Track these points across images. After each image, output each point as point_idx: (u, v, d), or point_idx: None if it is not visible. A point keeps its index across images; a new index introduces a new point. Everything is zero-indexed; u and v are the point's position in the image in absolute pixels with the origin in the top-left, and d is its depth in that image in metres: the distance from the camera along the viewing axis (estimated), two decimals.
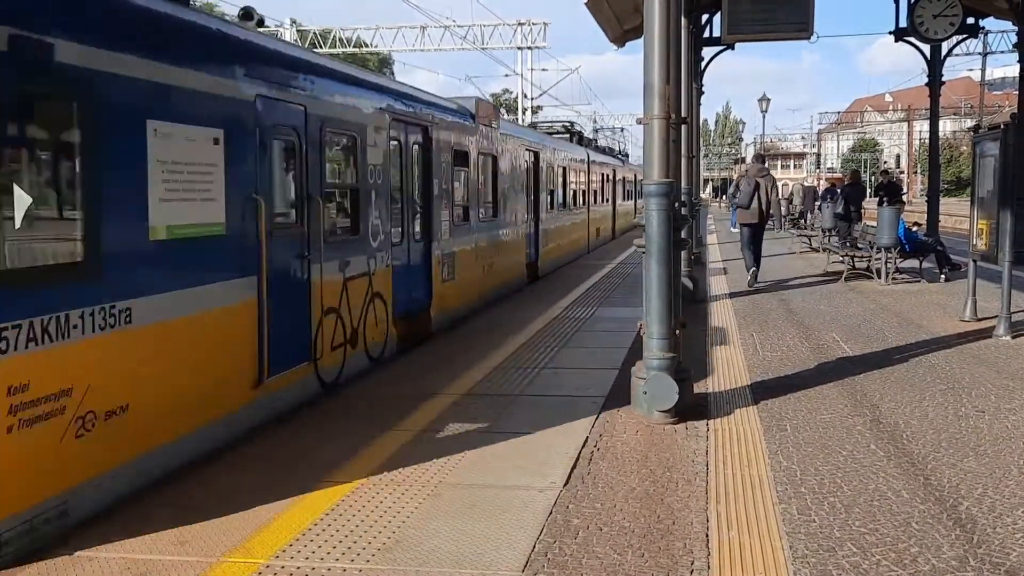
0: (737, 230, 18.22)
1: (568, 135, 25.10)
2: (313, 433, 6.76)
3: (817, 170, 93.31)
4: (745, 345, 10.28)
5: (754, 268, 16.18)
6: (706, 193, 71.32)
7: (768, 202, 16.20)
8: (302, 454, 6.23)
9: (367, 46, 43.67)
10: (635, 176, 36.18)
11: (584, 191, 25.28)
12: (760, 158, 20.94)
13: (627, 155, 39.94)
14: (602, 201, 29.12)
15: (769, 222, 17.82)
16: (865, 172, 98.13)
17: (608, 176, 30.60)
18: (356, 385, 8.40)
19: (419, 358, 9.65)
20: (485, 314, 13.05)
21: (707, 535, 4.69)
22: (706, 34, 17.21)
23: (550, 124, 20.05)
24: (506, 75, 44.56)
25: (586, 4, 15.54)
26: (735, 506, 5.14)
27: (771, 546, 4.58)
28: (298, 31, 37.58)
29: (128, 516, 5.09)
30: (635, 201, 36.58)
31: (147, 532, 4.84)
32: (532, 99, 43.55)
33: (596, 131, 40.72)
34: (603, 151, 28.12)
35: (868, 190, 37.93)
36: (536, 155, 18.43)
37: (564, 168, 21.88)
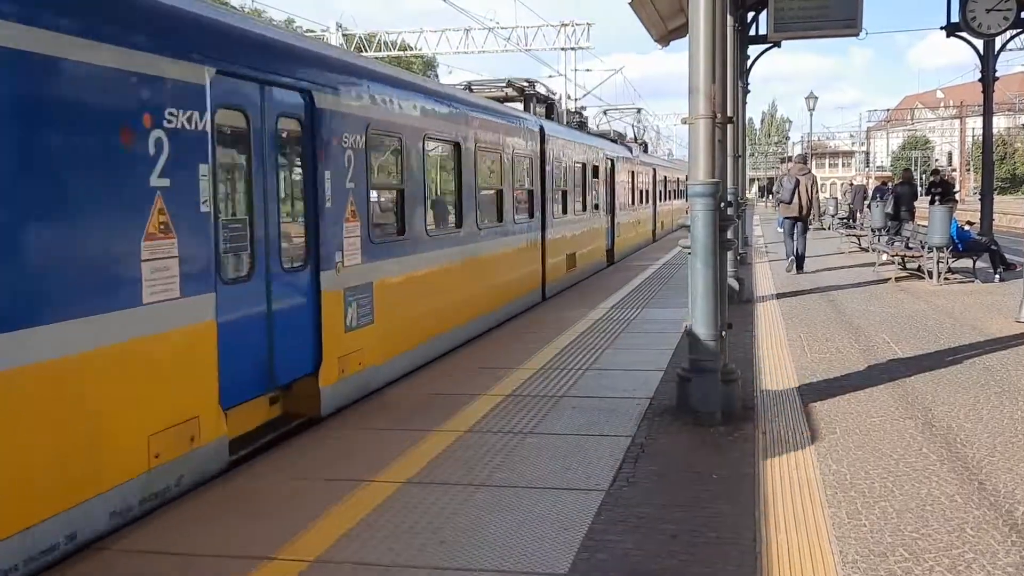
0: (783, 230, 19.21)
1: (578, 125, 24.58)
2: (358, 432, 6.80)
3: (866, 169, 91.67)
4: (793, 346, 10.13)
5: (793, 257, 18.10)
6: (752, 193, 70.45)
7: (808, 198, 17.52)
8: (348, 453, 6.27)
9: (411, 49, 43.94)
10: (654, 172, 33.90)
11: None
12: (802, 157, 22.61)
13: (644, 144, 38.65)
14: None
15: (811, 217, 18.88)
16: (916, 170, 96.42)
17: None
18: (402, 384, 8.45)
19: (460, 362, 9.68)
20: (530, 313, 13.04)
21: (755, 539, 4.63)
22: (752, 32, 17.03)
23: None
24: (550, 76, 44.37)
25: (630, 4, 15.47)
26: (783, 510, 5.06)
27: (820, 550, 4.50)
28: (344, 35, 37.93)
29: (175, 512, 5.17)
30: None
31: (194, 530, 4.91)
32: (575, 100, 43.42)
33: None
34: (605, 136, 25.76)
35: (920, 189, 37.25)
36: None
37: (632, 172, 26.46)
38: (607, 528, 4.79)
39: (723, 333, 7.04)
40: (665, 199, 35.28)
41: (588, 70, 68.61)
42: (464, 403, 7.56)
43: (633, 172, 26.14)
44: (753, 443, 6.36)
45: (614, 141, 24.81)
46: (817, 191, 19.24)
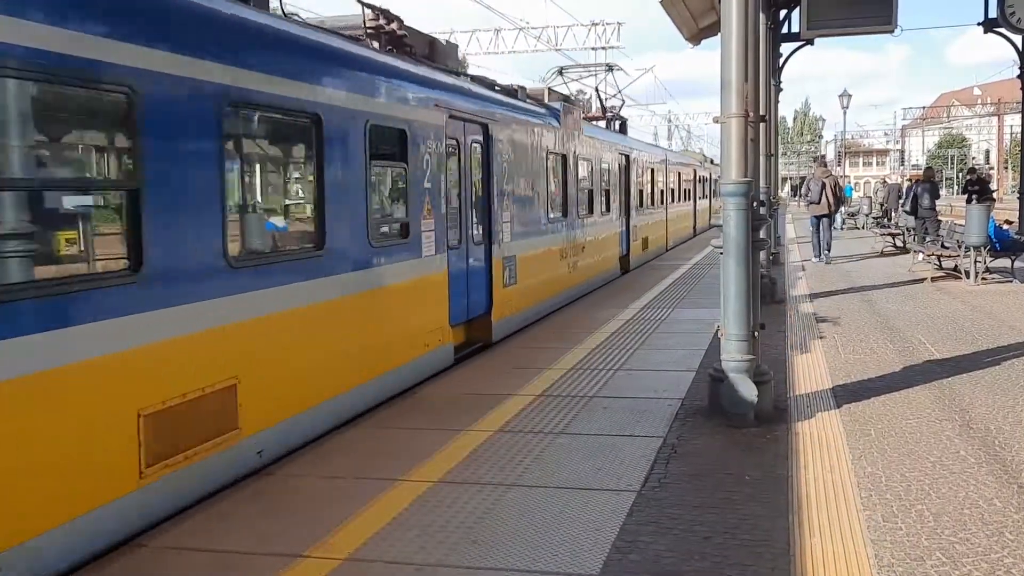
0: (812, 227, 21.44)
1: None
2: (392, 432, 6.84)
3: (901, 167, 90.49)
4: (827, 347, 10.03)
5: (825, 250, 20.51)
6: (784, 192, 69.78)
7: (834, 196, 20.40)
8: (380, 452, 6.30)
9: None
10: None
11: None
12: (823, 161, 24.30)
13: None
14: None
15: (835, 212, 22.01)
16: (952, 169, 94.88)
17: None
18: (435, 384, 8.47)
19: (487, 362, 9.69)
20: (557, 314, 13.04)
21: (789, 542, 4.58)
22: (784, 30, 16.86)
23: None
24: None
25: (661, 2, 15.40)
26: (817, 512, 5.01)
27: (855, 554, 4.45)
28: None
29: (211, 511, 5.23)
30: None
31: (228, 527, 4.97)
32: (606, 99, 43.30)
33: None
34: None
35: (949, 190, 36.96)
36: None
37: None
38: (639, 529, 4.77)
39: (756, 333, 6.98)
40: (701, 198, 38.79)
41: (619, 69, 67.88)
42: (496, 403, 7.57)
43: (679, 173, 31.02)
44: (786, 445, 6.30)
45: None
46: (839, 190, 21.97)
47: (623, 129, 22.12)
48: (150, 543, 4.78)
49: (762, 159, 11.01)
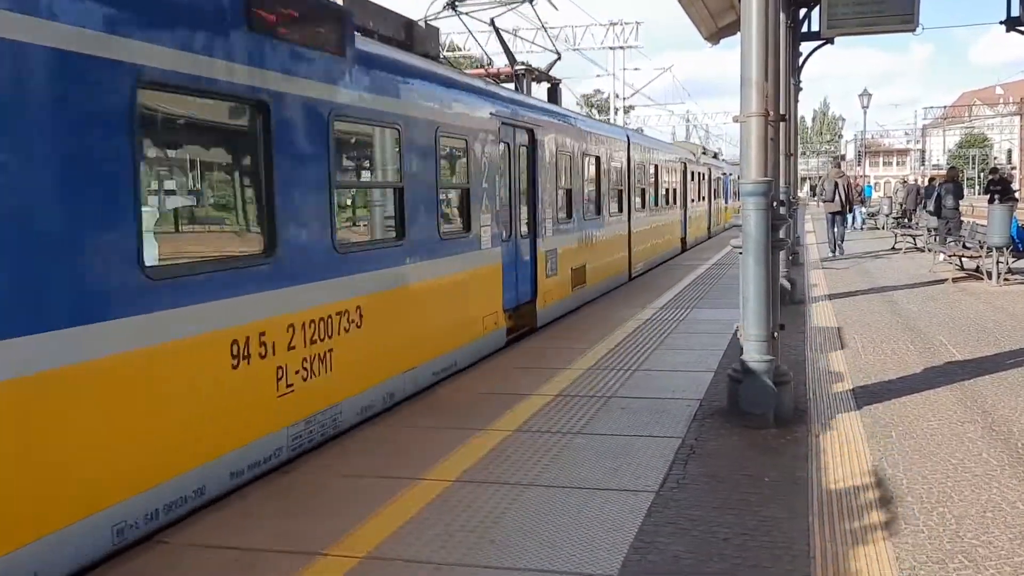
0: (827, 222, 23.76)
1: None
2: (411, 431, 6.86)
3: (921, 167, 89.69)
4: (847, 348, 9.97)
5: (839, 242, 22.70)
6: (803, 192, 69.29)
7: (845, 195, 22.73)
8: (400, 451, 6.33)
9: (460, 50, 44.07)
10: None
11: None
12: (837, 163, 28.20)
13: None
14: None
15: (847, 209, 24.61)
16: (974, 168, 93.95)
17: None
18: (454, 382, 8.49)
19: (509, 361, 9.70)
20: (580, 311, 13.03)
21: (809, 544, 4.56)
22: (804, 28, 16.76)
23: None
24: (598, 75, 44.21)
25: (680, 1, 15.35)
26: (838, 515, 4.98)
27: (877, 557, 4.42)
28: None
29: (229, 510, 5.26)
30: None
31: (249, 525, 5.00)
32: (624, 99, 43.24)
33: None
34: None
35: (971, 189, 36.36)
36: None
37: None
38: (657, 530, 4.76)
39: (775, 334, 6.95)
40: (717, 197, 37.39)
41: (636, 69, 67.84)
42: (513, 402, 7.58)
43: (697, 173, 30.70)
44: (806, 446, 6.27)
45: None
46: (852, 189, 24.97)
47: (553, 97, 15.43)
48: (172, 539, 4.82)
49: (781, 159, 10.96)
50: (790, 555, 4.43)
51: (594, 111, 63.52)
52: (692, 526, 4.81)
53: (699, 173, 29.97)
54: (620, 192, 17.97)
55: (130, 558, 4.59)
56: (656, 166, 22.20)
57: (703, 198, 30.86)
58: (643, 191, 20.46)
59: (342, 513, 5.11)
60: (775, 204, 7.14)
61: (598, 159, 15.93)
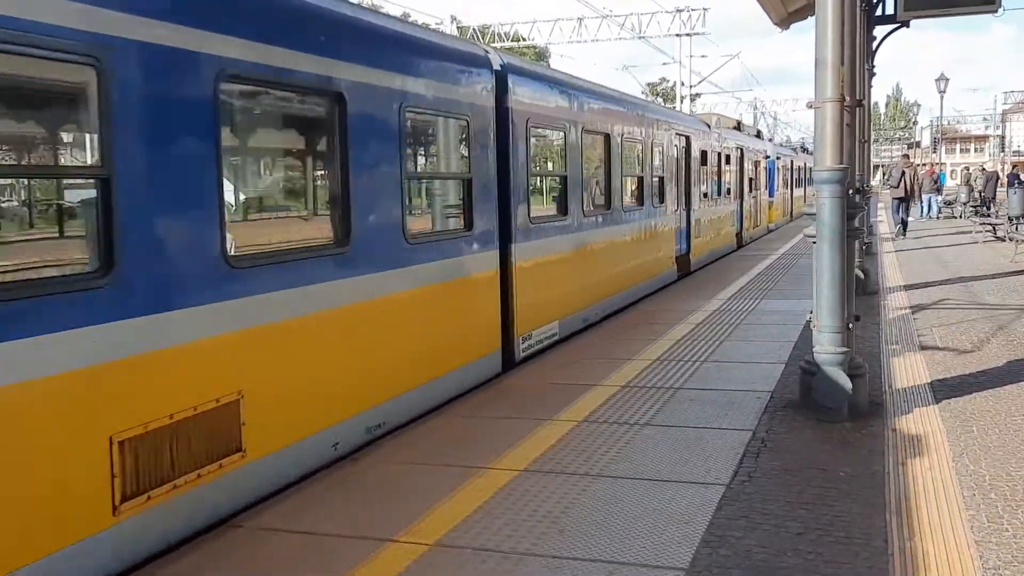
0: (912, 218, 26.04)
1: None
2: (476, 420, 6.88)
3: (1001, 154, 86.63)
4: (924, 340, 9.67)
5: (899, 226, 24.74)
6: (876, 180, 67.33)
7: (910, 182, 25.39)
8: (466, 440, 6.34)
9: (524, 40, 44.04)
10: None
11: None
12: (904, 154, 31.61)
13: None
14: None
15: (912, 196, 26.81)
16: None
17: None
18: (521, 373, 8.49)
19: (577, 351, 9.66)
20: (640, 304, 12.91)
21: (887, 541, 4.43)
22: (879, 12, 16.27)
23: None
24: (664, 63, 43.76)
25: None
26: (916, 512, 4.83)
27: (959, 556, 4.27)
28: (458, 28, 38.34)
29: (302, 495, 5.34)
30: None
31: (319, 511, 5.06)
32: (691, 87, 42.65)
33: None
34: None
35: None
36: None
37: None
38: (729, 523, 4.68)
39: (850, 325, 6.77)
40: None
41: (704, 56, 66.95)
42: (580, 393, 7.54)
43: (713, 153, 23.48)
44: (882, 440, 6.10)
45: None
46: (917, 177, 28.00)
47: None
48: (246, 523, 4.92)
49: (856, 146, 10.67)
50: (867, 551, 4.31)
51: (659, 100, 62.76)
52: (764, 520, 4.72)
53: (718, 154, 20.21)
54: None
55: (206, 541, 4.69)
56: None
57: (725, 192, 21.14)
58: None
59: (410, 501, 5.14)
60: (851, 192, 6.94)
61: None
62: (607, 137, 12.11)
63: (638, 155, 13.84)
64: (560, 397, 7.42)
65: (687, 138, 16.72)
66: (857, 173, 11.97)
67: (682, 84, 42.35)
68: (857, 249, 12.29)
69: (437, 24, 38.27)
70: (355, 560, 4.35)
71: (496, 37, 40.76)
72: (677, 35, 39.30)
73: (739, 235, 23.15)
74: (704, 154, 18.38)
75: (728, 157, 21.42)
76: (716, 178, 19.98)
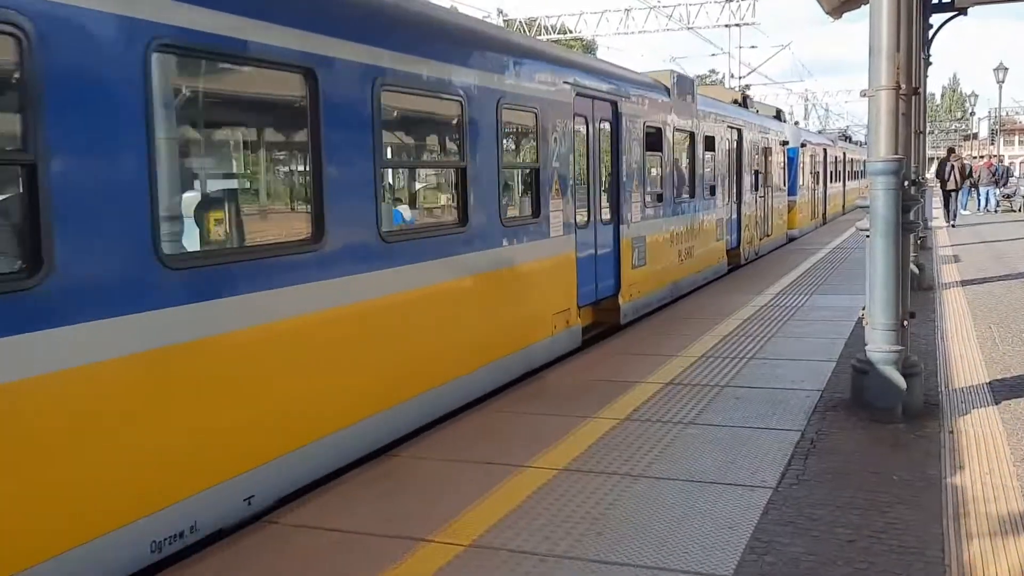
0: (967, 212, 28.55)
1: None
2: (516, 417, 6.76)
3: None
4: (982, 339, 9.31)
5: (953, 217, 26.92)
6: (931, 173, 65.49)
7: (958, 176, 27.03)
8: (506, 437, 6.23)
9: (571, 32, 43.74)
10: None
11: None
12: (951, 149, 30.68)
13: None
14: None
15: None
16: None
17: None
18: (559, 369, 8.36)
19: (617, 347, 9.49)
20: (686, 299, 12.68)
21: (944, 550, 4.21)
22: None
23: None
24: (712, 54, 43.14)
25: None
26: (976, 519, 4.59)
27: (1020, 566, 4.04)
28: (504, 21, 38.19)
29: (335, 491, 5.27)
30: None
31: (354, 508, 4.99)
32: (740, 78, 42.02)
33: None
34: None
35: None
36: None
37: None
38: (775, 529, 4.50)
39: (904, 322, 6.51)
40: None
41: (754, 47, 65.97)
42: (623, 390, 7.38)
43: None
44: (938, 443, 5.84)
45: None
46: (965, 171, 28.46)
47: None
48: (280, 520, 4.86)
49: (911, 136, 10.32)
50: (922, 561, 4.10)
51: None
52: (813, 526, 4.53)
53: (690, 134, 13.96)
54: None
55: (241, 537, 4.64)
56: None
57: (699, 190, 14.51)
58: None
59: (446, 499, 5.04)
60: (906, 184, 6.67)
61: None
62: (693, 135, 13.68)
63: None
64: (601, 394, 7.26)
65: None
66: (912, 165, 11.59)
67: (731, 76, 41.74)
68: (912, 243, 11.93)
69: (484, 17, 38.20)
70: (387, 561, 4.26)
71: (542, 30, 40.52)
72: (726, 25, 38.68)
73: (734, 252, 17.05)
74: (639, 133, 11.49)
75: (709, 140, 14.94)
76: (674, 171, 13.19)
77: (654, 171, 12.36)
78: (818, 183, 29.18)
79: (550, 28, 41.10)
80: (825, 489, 5.05)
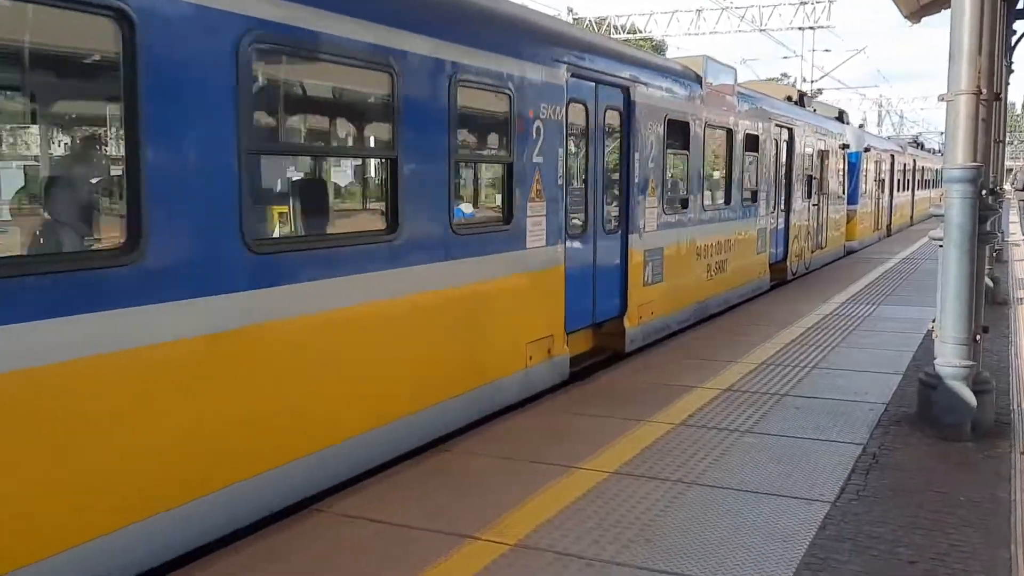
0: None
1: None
2: (568, 417, 6.67)
3: None
4: None
5: None
6: (1009, 183, 63.34)
7: None
8: (556, 436, 6.15)
9: (640, 32, 43.38)
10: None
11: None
12: None
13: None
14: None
15: None
16: None
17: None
18: (617, 371, 8.25)
19: (675, 351, 9.33)
20: (748, 305, 12.43)
21: None
22: (1020, 4, 15.17)
23: None
24: (784, 57, 42.35)
25: None
26: None
27: None
28: (573, 19, 38.05)
29: (389, 481, 5.26)
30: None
31: (401, 501, 4.96)
32: (812, 81, 41.19)
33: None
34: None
35: None
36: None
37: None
38: (833, 545, 4.34)
39: (977, 337, 6.25)
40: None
41: (827, 50, 64.78)
42: (678, 395, 7.24)
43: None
44: (1009, 464, 5.59)
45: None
46: None
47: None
48: (328, 508, 4.86)
49: (990, 144, 9.93)
50: None
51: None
52: (872, 544, 4.36)
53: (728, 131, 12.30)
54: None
55: (288, 525, 4.65)
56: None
57: (748, 195, 13.28)
58: None
59: (494, 496, 4.99)
60: (983, 193, 6.40)
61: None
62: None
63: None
64: (656, 398, 7.14)
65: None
66: (990, 174, 11.18)
67: (803, 79, 40.93)
68: (987, 255, 11.50)
69: (555, 15, 38.08)
70: (432, 556, 4.23)
71: (613, 29, 40.25)
72: (800, 28, 37.93)
73: (780, 265, 15.30)
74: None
75: (751, 139, 13.21)
76: (703, 173, 11.33)
77: (677, 172, 10.70)
78: (883, 191, 27.14)
79: (620, 28, 40.83)
80: (886, 506, 4.86)
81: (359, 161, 8.03)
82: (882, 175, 26.68)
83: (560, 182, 7.65)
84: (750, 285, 13.54)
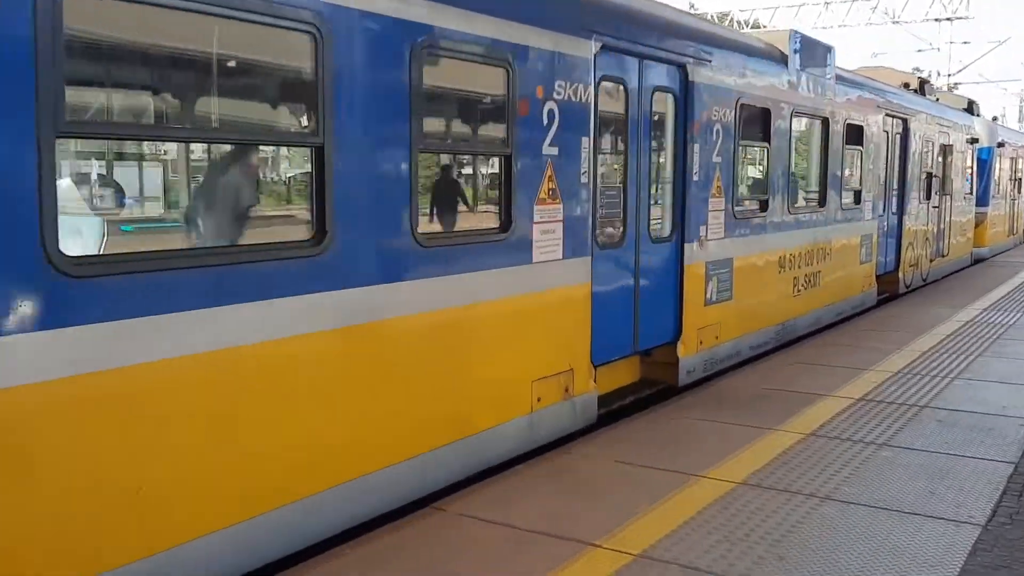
0: None
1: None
2: (689, 422, 6.47)
3: None
4: None
5: None
6: None
7: None
8: (677, 442, 5.96)
9: (764, 27, 42.18)
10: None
11: None
12: None
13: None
14: None
15: None
16: None
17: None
18: (738, 375, 7.97)
19: (804, 356, 8.95)
20: (878, 310, 11.84)
21: None
22: None
23: None
24: (919, 50, 40.36)
25: None
26: None
27: None
28: (694, 15, 37.33)
29: (510, 482, 5.20)
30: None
31: (522, 503, 4.89)
32: (949, 75, 39.14)
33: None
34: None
35: None
36: None
37: None
38: (985, 573, 4.02)
39: None
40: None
41: (966, 43, 61.33)
42: (808, 402, 6.92)
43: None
44: None
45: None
46: None
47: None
48: (448, 507, 4.84)
49: None
50: None
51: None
52: None
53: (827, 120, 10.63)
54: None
55: (407, 524, 4.64)
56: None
57: (848, 195, 11.70)
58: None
59: (616, 503, 4.86)
60: None
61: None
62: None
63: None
64: (785, 405, 6.85)
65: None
66: None
67: (939, 73, 38.92)
68: None
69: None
70: (551, 563, 4.13)
71: (735, 24, 39.28)
72: (936, 20, 36.08)
73: (890, 277, 13.61)
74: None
75: (854, 130, 11.45)
76: (788, 170, 9.74)
77: (753, 168, 9.52)
78: (1020, 192, 24.71)
79: (744, 23, 39.80)
80: None
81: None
82: (1019, 174, 24.43)
83: (585, 179, 6.23)
84: (851, 301, 11.77)
